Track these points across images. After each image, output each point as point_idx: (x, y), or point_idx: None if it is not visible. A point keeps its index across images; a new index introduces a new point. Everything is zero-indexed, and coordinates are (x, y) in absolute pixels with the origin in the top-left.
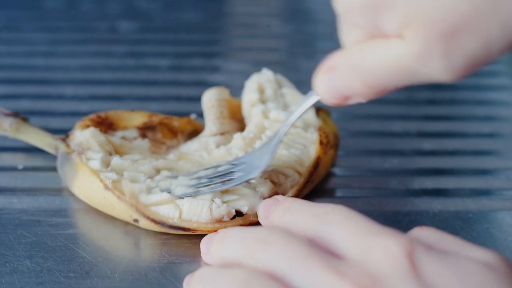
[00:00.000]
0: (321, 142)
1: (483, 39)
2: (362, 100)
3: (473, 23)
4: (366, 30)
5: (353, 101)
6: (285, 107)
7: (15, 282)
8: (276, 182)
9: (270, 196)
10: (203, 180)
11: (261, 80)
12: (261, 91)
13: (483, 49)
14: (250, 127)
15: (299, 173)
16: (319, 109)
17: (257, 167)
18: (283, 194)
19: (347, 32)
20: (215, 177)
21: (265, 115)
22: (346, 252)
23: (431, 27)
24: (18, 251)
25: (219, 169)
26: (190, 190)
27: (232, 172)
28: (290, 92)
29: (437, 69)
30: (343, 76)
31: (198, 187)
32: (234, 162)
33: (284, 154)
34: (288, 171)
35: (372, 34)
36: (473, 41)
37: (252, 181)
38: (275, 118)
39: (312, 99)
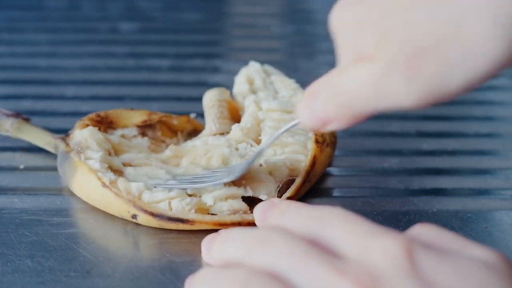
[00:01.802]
0: (316, 141)
1: (443, 66)
2: (339, 126)
3: (436, 47)
4: (354, 51)
5: (332, 127)
6: (275, 93)
7: (17, 282)
8: (291, 168)
9: (287, 181)
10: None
11: (249, 72)
12: (250, 82)
13: (442, 77)
14: (246, 118)
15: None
16: None
17: (234, 173)
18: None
19: (340, 54)
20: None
21: (258, 105)
22: (345, 253)
23: (397, 47)
24: (20, 250)
25: (200, 173)
26: (168, 184)
27: (212, 175)
28: (278, 79)
29: (398, 92)
30: (322, 100)
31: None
32: (214, 170)
33: (290, 141)
34: (299, 157)
35: (358, 56)
36: (433, 66)
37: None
38: (267, 108)
39: (292, 123)
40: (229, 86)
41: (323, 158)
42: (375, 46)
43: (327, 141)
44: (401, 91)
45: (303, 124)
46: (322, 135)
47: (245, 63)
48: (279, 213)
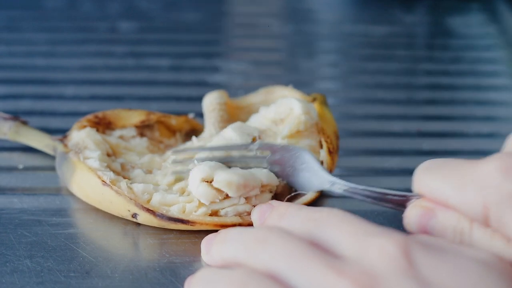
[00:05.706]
0: (329, 151)
1: None
2: None
3: None
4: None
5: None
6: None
7: (16, 282)
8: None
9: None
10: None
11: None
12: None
13: None
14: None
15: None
16: (314, 98)
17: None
18: None
19: None
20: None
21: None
22: (343, 253)
23: None
24: (19, 250)
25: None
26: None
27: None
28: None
29: None
30: (439, 224)
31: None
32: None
33: None
34: None
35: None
36: None
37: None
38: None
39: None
40: (228, 85)
41: (333, 169)
42: None
43: (335, 146)
44: None
45: (405, 223)
46: (331, 141)
47: (245, 62)
48: (278, 215)
